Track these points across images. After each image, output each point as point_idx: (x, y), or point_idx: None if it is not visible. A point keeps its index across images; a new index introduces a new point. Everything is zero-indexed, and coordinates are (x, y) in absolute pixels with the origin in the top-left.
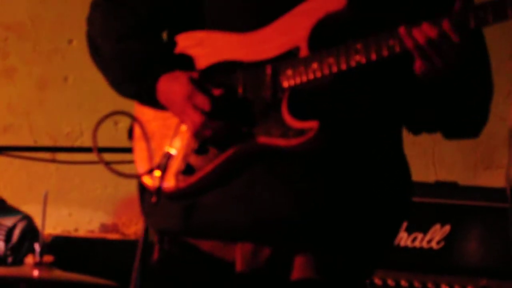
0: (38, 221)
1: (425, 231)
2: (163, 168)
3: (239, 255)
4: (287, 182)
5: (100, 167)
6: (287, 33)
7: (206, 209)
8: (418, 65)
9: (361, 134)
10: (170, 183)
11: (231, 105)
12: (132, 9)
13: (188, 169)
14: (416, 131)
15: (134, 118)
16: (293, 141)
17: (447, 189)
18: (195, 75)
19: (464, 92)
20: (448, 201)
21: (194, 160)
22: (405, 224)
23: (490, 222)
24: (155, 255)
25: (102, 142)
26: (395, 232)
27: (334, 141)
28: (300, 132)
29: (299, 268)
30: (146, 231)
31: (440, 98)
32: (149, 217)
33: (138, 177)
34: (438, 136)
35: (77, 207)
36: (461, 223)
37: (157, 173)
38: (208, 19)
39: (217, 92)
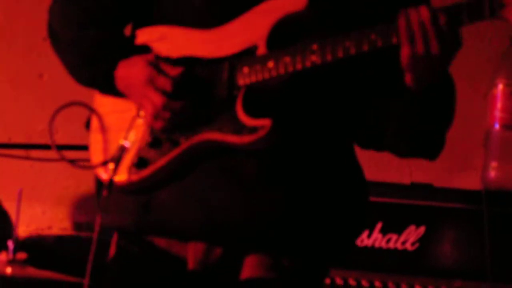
0: (11, 219)
1: (399, 232)
2: (117, 160)
3: (191, 253)
4: (241, 184)
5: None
6: (247, 31)
7: (160, 207)
8: (402, 54)
9: (315, 135)
10: (122, 176)
11: (191, 85)
12: None
13: (141, 162)
14: (364, 145)
15: (91, 110)
16: (246, 139)
17: (422, 191)
18: (151, 57)
19: (429, 107)
20: (423, 203)
21: (147, 153)
22: (379, 225)
23: (465, 224)
24: (111, 252)
25: (75, 140)
26: (353, 232)
27: (288, 141)
28: (253, 130)
29: (250, 267)
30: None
31: (406, 108)
32: (105, 213)
33: (91, 168)
34: None
35: (51, 205)
36: (436, 224)
37: (111, 165)
38: (170, 14)
39: (175, 71)
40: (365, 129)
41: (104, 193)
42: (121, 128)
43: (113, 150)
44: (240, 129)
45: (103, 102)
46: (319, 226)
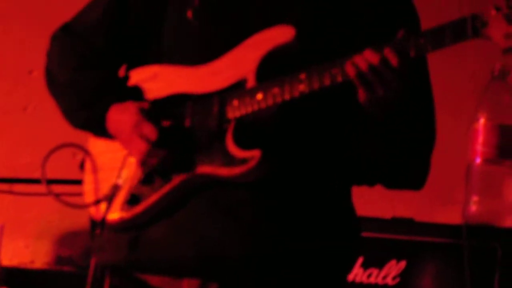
0: None
1: (380, 267)
2: (109, 199)
3: None
4: (234, 218)
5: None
6: (236, 65)
7: (152, 243)
8: (361, 94)
9: (307, 168)
10: (115, 214)
11: (178, 136)
12: (89, 41)
13: (133, 199)
14: (358, 182)
15: (84, 150)
16: (236, 170)
17: (403, 225)
18: (145, 105)
19: (404, 133)
20: (404, 237)
21: (140, 190)
22: (361, 260)
23: (446, 258)
24: None
25: (60, 174)
26: (346, 270)
27: (280, 174)
28: (243, 161)
29: None
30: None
31: (382, 137)
32: (98, 252)
33: (85, 207)
34: None
35: (34, 239)
36: (417, 259)
37: (104, 204)
38: (162, 53)
39: (165, 123)
40: (353, 164)
41: (97, 231)
42: (113, 168)
43: (106, 189)
44: (230, 161)
45: (96, 144)
46: (313, 262)
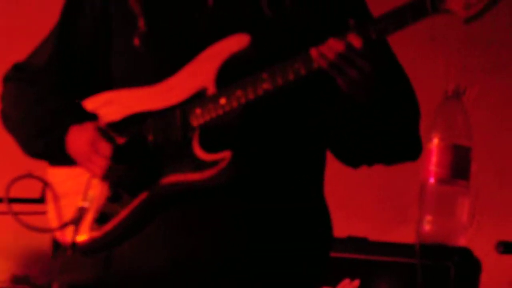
0: None
1: (334, 285)
2: (76, 222)
3: None
4: (203, 226)
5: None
6: (193, 77)
7: (123, 258)
8: (340, 83)
9: (277, 168)
10: (84, 235)
11: (138, 151)
12: (42, 77)
13: (102, 218)
14: (353, 163)
15: (43, 181)
16: (207, 173)
17: (358, 244)
18: (102, 123)
19: (389, 111)
20: (358, 256)
21: (108, 208)
22: None
23: (399, 277)
24: None
25: (17, 192)
26: (318, 279)
27: (250, 178)
28: (214, 164)
29: None
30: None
31: (368, 120)
32: (63, 274)
33: (50, 231)
34: (353, 190)
35: None
36: (371, 278)
37: (71, 228)
38: (114, 81)
39: (120, 140)
40: (345, 150)
41: (68, 253)
42: (78, 192)
43: (72, 213)
44: (200, 165)
45: (55, 173)
46: (284, 270)
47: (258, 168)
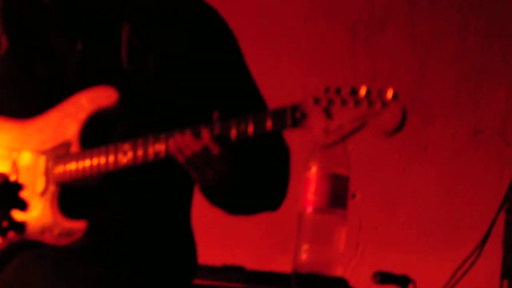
0: None
1: None
2: None
3: None
4: (59, 269)
5: None
6: (60, 125)
7: None
8: (195, 178)
9: (137, 224)
10: None
11: (2, 193)
12: None
13: None
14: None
15: None
16: (62, 241)
17: (233, 273)
18: None
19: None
20: (234, 285)
21: None
22: None
23: None
24: None
25: None
26: None
27: (109, 235)
28: (69, 233)
29: None
30: None
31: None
32: None
33: None
34: (236, 219)
35: None
36: None
37: None
38: None
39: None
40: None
41: None
42: None
43: None
44: (55, 229)
45: None
46: None
47: (115, 231)
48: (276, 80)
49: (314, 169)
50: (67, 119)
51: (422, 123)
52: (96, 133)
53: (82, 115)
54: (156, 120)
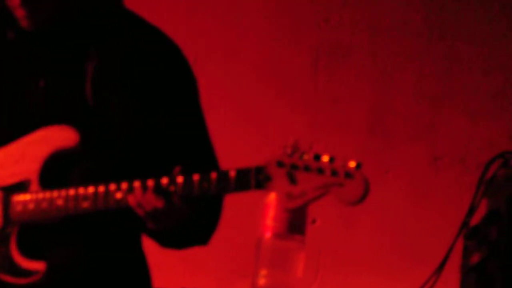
0: None
1: None
2: None
3: None
4: None
5: None
6: (20, 161)
7: None
8: (149, 225)
9: (93, 264)
10: None
11: None
12: None
13: None
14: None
15: None
16: (21, 281)
17: None
18: None
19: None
20: None
21: None
22: None
23: None
24: None
25: None
26: None
27: (67, 273)
28: (28, 273)
29: None
30: None
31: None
32: None
33: None
34: None
35: None
36: None
37: None
38: None
39: None
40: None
41: None
42: None
43: None
44: (15, 270)
45: None
46: None
47: (76, 269)
48: (236, 99)
49: (272, 196)
50: (27, 156)
51: (383, 147)
52: (56, 172)
53: (42, 154)
54: (118, 160)
